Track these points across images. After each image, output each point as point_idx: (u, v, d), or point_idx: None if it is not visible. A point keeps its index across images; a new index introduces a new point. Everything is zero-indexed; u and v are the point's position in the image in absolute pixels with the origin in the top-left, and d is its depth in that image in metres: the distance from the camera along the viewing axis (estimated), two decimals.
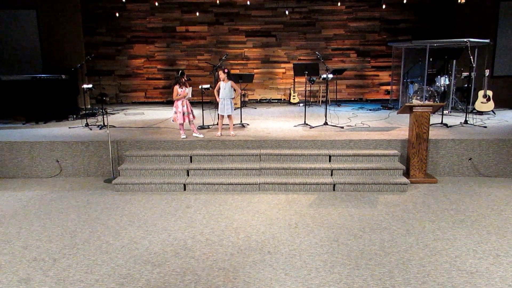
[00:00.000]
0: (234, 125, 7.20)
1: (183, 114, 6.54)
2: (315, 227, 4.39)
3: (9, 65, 10.77)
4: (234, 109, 6.99)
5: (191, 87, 6.75)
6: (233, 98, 6.80)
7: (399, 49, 11.06)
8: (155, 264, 3.61)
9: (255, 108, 11.14)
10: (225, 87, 6.66)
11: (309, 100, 12.06)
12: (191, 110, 6.69)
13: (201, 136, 6.67)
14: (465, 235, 4.15)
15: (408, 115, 6.12)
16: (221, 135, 6.77)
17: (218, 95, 6.80)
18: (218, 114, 6.91)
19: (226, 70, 6.70)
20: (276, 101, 12.84)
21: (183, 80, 6.54)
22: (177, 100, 6.54)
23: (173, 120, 6.73)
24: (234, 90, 6.83)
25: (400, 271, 3.44)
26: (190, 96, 6.72)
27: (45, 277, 3.41)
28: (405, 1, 11.54)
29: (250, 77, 9.53)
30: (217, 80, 6.81)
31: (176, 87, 6.51)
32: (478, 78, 9.75)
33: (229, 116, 6.83)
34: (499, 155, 6.22)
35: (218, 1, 11.96)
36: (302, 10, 12.35)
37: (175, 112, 6.58)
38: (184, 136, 6.59)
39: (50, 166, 6.53)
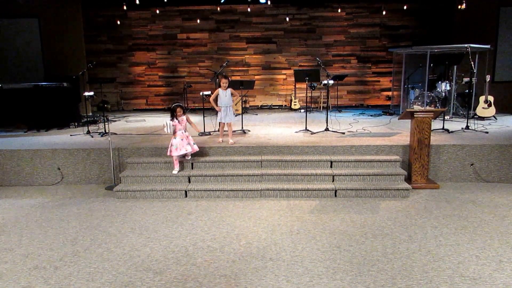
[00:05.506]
0: (235, 131, 7.21)
1: (177, 147, 5.87)
2: (316, 233, 4.38)
3: (11, 73, 10.84)
4: (235, 116, 6.97)
5: (170, 122, 5.85)
6: (231, 105, 6.70)
7: (400, 54, 11.09)
8: (156, 272, 3.60)
9: (256, 114, 11.16)
10: (225, 94, 6.59)
11: (310, 106, 12.08)
12: (190, 143, 5.99)
13: (176, 171, 5.97)
14: (468, 241, 4.12)
15: (410, 120, 6.12)
16: (222, 141, 6.72)
17: (216, 103, 6.68)
18: (219, 123, 6.81)
19: (230, 79, 6.54)
20: (277, 107, 12.87)
21: (179, 113, 5.90)
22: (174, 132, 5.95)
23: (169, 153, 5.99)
24: (233, 96, 6.77)
25: (403, 278, 3.41)
26: (167, 132, 5.85)
27: (46, 285, 3.40)
28: (405, 7, 11.64)
29: (251, 83, 9.53)
30: (218, 86, 6.77)
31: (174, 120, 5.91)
32: (479, 84, 9.76)
33: (228, 124, 6.77)
34: (501, 160, 6.20)
35: (218, 8, 12.06)
36: (302, 16, 12.42)
37: (171, 144, 5.94)
38: (176, 172, 5.96)
39: (52, 174, 6.53)
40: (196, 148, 6.08)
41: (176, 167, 6.02)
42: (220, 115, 6.70)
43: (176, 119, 5.92)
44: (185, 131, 5.99)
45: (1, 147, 6.67)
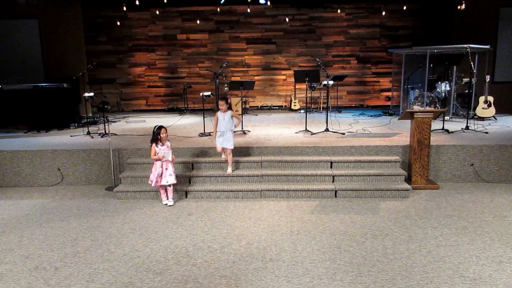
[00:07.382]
0: (235, 132, 7.13)
1: (160, 175, 5.28)
2: (317, 234, 4.38)
3: (11, 74, 10.83)
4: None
5: (171, 150, 5.38)
6: (232, 130, 5.86)
7: (399, 55, 11.10)
8: (156, 272, 3.60)
9: (256, 115, 11.16)
10: (224, 118, 5.73)
11: (310, 107, 12.08)
12: (173, 173, 5.35)
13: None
14: (468, 242, 4.13)
15: (409, 121, 6.12)
16: (224, 158, 5.96)
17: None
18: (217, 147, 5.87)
19: (229, 101, 5.83)
20: (277, 107, 12.87)
21: (162, 136, 5.28)
22: (155, 160, 5.30)
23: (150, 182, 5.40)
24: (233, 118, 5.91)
25: (403, 278, 3.42)
26: (170, 159, 5.31)
27: (46, 286, 3.40)
28: (405, 8, 11.64)
29: (251, 84, 9.54)
30: (216, 105, 6.05)
31: (154, 145, 5.29)
32: (479, 84, 9.77)
33: (227, 151, 5.86)
34: (500, 160, 6.20)
35: (218, 9, 12.07)
36: (302, 17, 12.42)
37: (153, 172, 5.33)
38: (166, 203, 5.43)
39: (52, 175, 6.53)
40: (174, 181, 5.39)
41: (164, 198, 5.47)
42: (217, 139, 5.82)
43: (161, 142, 5.30)
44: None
45: (1, 148, 6.67)
